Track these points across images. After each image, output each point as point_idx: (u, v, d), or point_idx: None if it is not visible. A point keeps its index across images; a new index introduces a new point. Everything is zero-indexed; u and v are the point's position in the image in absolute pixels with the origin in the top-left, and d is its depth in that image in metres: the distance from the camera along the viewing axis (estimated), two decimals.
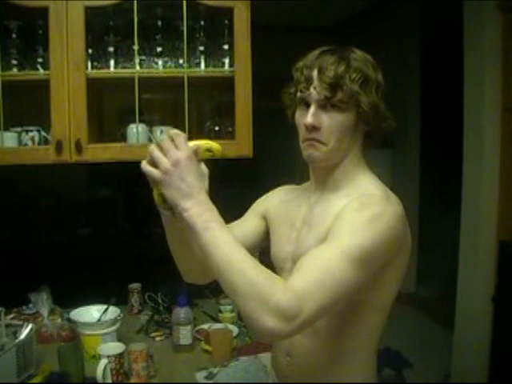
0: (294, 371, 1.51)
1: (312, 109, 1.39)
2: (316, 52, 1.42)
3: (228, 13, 2.37)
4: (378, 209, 1.31)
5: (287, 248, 1.52)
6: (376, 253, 1.27)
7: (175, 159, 1.20)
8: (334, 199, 1.43)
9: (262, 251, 1.71)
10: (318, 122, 1.39)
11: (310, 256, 1.24)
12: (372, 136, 1.46)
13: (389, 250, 1.31)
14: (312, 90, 1.38)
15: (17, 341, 1.85)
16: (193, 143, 1.26)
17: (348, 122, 1.39)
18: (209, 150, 1.29)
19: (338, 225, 1.29)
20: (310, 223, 1.47)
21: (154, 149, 1.22)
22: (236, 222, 1.73)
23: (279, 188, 1.72)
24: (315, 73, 1.38)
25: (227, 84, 2.41)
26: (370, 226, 1.27)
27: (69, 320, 2.21)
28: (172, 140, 1.22)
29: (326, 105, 1.38)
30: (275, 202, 1.65)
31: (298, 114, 1.44)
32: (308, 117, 1.39)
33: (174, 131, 1.24)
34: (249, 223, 1.68)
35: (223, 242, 1.18)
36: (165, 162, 1.20)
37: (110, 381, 1.84)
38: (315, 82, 1.38)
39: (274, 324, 1.11)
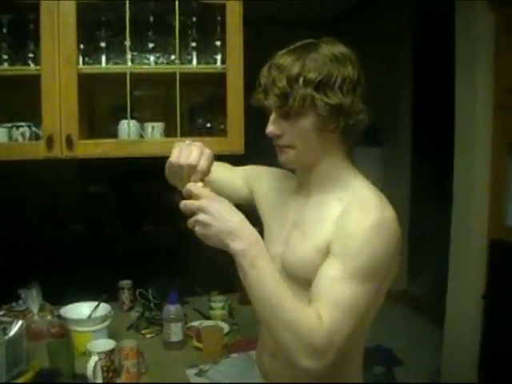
0: (277, 371, 1.51)
1: (272, 117, 1.40)
2: (277, 54, 1.40)
3: (220, 9, 2.36)
4: (378, 215, 1.30)
5: (276, 248, 1.50)
6: (384, 262, 1.30)
7: (207, 195, 1.27)
8: (326, 203, 1.42)
9: None
10: (278, 129, 1.40)
11: (327, 286, 1.27)
12: (347, 133, 1.41)
13: (393, 254, 1.33)
14: (269, 99, 1.38)
15: (6, 337, 1.84)
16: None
17: (310, 125, 1.36)
18: None
19: (344, 242, 1.30)
20: (302, 227, 1.46)
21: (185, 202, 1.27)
22: (224, 165, 1.77)
23: (274, 169, 1.70)
24: (269, 82, 1.37)
25: (219, 80, 2.40)
26: (374, 238, 1.28)
27: (59, 317, 2.20)
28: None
29: (285, 111, 1.36)
30: (266, 186, 1.66)
31: None
32: (268, 126, 1.41)
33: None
34: (232, 179, 1.73)
35: (265, 283, 1.24)
36: (196, 202, 1.26)
37: (100, 378, 1.83)
38: (269, 92, 1.37)
39: (310, 363, 1.21)
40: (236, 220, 1.25)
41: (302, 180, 1.52)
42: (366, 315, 1.33)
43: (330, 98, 1.32)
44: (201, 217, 1.24)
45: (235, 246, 1.23)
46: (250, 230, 1.25)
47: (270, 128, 1.40)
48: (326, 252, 1.33)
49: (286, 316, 1.22)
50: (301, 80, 1.31)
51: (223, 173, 1.73)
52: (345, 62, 1.35)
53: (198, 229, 1.25)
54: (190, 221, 1.26)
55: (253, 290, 1.25)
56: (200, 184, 1.30)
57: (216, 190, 1.33)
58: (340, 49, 1.37)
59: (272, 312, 1.23)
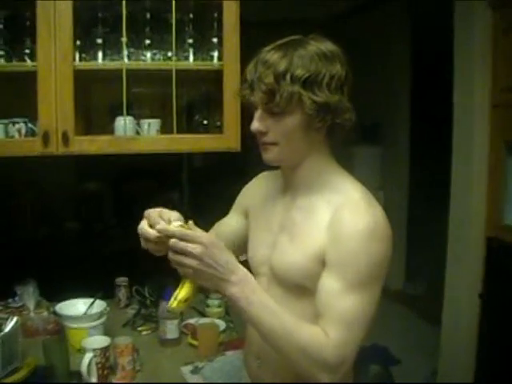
0: (264, 374, 1.52)
1: (257, 114, 1.38)
2: (264, 50, 1.38)
3: (217, 6, 2.36)
4: (370, 218, 1.30)
5: (263, 251, 1.50)
6: (381, 265, 1.31)
7: (204, 242, 1.23)
8: (313, 206, 1.40)
9: None
10: (263, 126, 1.37)
11: (329, 300, 1.28)
12: (333, 132, 1.40)
13: (389, 255, 1.33)
14: (255, 95, 1.36)
15: (1, 334, 1.83)
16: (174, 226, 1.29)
17: (296, 123, 1.34)
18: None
19: (339, 250, 1.30)
20: (290, 231, 1.44)
21: (177, 242, 1.23)
22: (224, 219, 1.73)
23: (260, 176, 1.71)
24: (255, 78, 1.35)
25: (216, 77, 2.40)
26: (369, 242, 1.28)
27: (55, 313, 2.20)
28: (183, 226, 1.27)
29: (271, 108, 1.34)
30: (256, 198, 1.64)
31: None
32: (253, 122, 1.38)
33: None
34: (234, 223, 1.70)
35: (265, 315, 1.26)
36: (194, 247, 1.22)
37: (95, 375, 1.83)
38: (255, 89, 1.35)
39: (327, 378, 1.25)
40: (226, 265, 1.24)
41: (287, 180, 1.50)
42: (372, 320, 1.34)
43: (318, 96, 1.30)
44: (193, 263, 1.22)
45: (227, 291, 1.25)
46: (239, 273, 1.26)
47: (256, 125, 1.38)
48: (321, 259, 1.33)
49: (294, 340, 1.25)
50: (288, 77, 1.29)
51: (227, 229, 1.71)
52: (333, 59, 1.33)
53: (184, 271, 1.25)
54: (175, 259, 1.25)
55: (256, 325, 1.28)
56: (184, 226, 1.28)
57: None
58: (328, 46, 1.35)
59: (279, 340, 1.26)
